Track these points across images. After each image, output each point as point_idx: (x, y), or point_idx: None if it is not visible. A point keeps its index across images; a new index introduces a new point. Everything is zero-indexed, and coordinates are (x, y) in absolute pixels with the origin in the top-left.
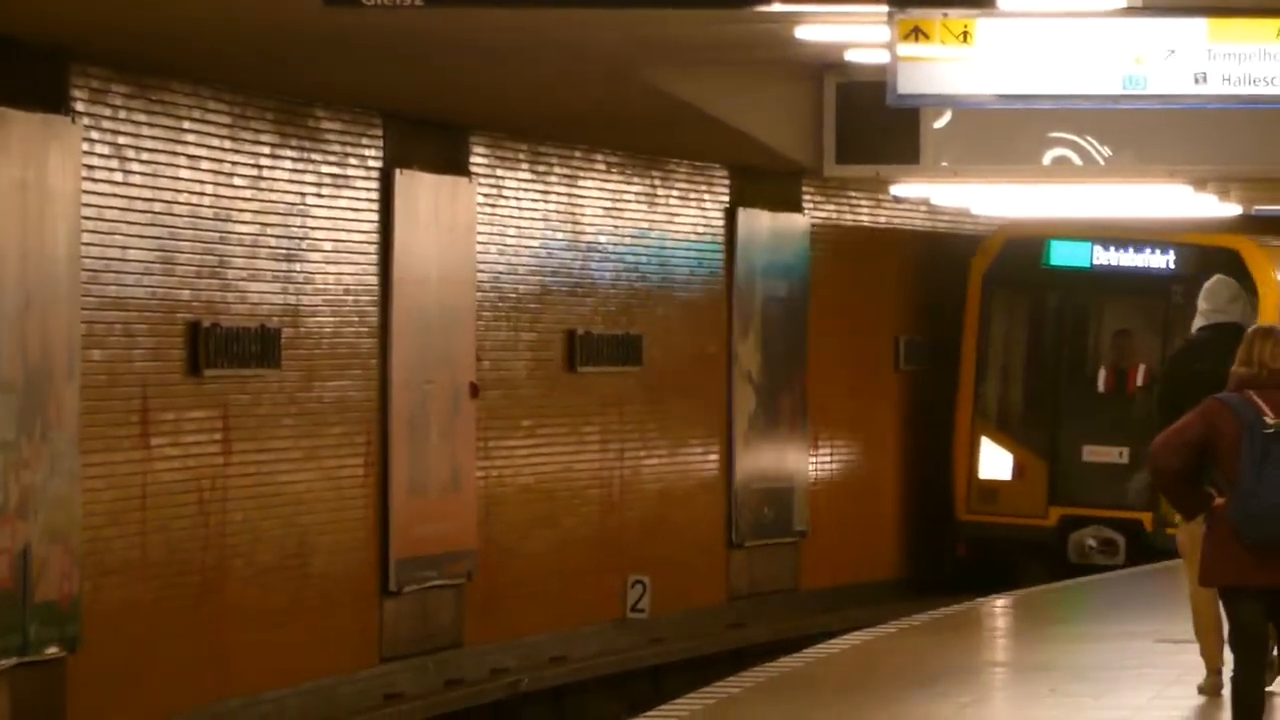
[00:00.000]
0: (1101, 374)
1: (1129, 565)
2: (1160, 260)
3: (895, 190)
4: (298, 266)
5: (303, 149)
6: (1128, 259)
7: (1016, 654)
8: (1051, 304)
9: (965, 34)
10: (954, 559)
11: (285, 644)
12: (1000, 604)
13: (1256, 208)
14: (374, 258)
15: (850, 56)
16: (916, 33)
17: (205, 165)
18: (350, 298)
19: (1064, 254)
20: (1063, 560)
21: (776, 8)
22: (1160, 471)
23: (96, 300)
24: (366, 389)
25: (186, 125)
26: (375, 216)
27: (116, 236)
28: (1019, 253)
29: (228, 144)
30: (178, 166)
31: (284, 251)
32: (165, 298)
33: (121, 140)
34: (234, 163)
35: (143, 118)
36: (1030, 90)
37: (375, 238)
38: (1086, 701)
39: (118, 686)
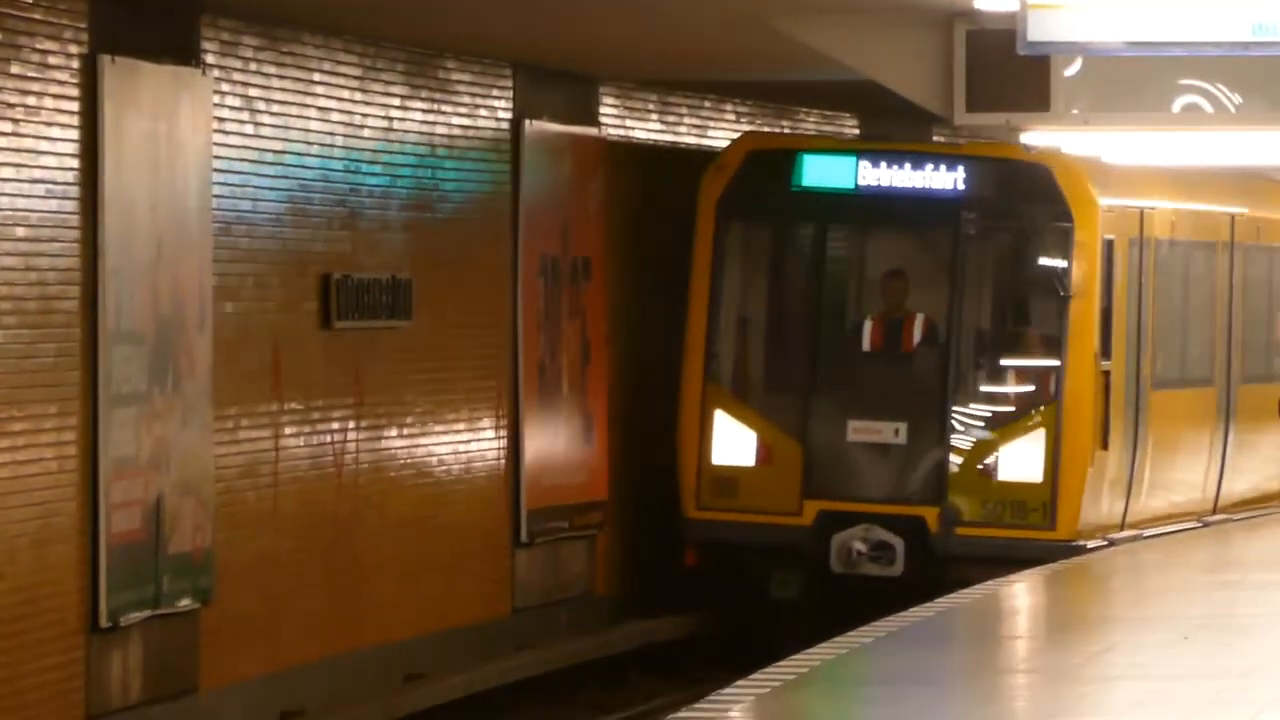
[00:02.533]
0: (868, 327)
1: (909, 575)
2: (947, 179)
3: (1025, 138)
4: (428, 217)
5: (433, 100)
6: (905, 177)
7: (1135, 607)
8: (805, 237)
9: None
10: (680, 569)
11: (417, 595)
12: (1104, 555)
13: None
14: (505, 208)
15: (980, 4)
16: None
17: (335, 117)
18: (479, 249)
19: (820, 172)
20: (823, 568)
21: None
22: None
23: (228, 252)
24: (496, 339)
25: (316, 77)
26: (506, 167)
27: (248, 189)
28: (762, 171)
29: (358, 95)
30: (308, 118)
31: (414, 202)
32: (296, 250)
33: (252, 92)
34: (364, 114)
35: (273, 69)
36: (1160, 37)
37: (506, 189)
38: (1222, 649)
39: (249, 638)
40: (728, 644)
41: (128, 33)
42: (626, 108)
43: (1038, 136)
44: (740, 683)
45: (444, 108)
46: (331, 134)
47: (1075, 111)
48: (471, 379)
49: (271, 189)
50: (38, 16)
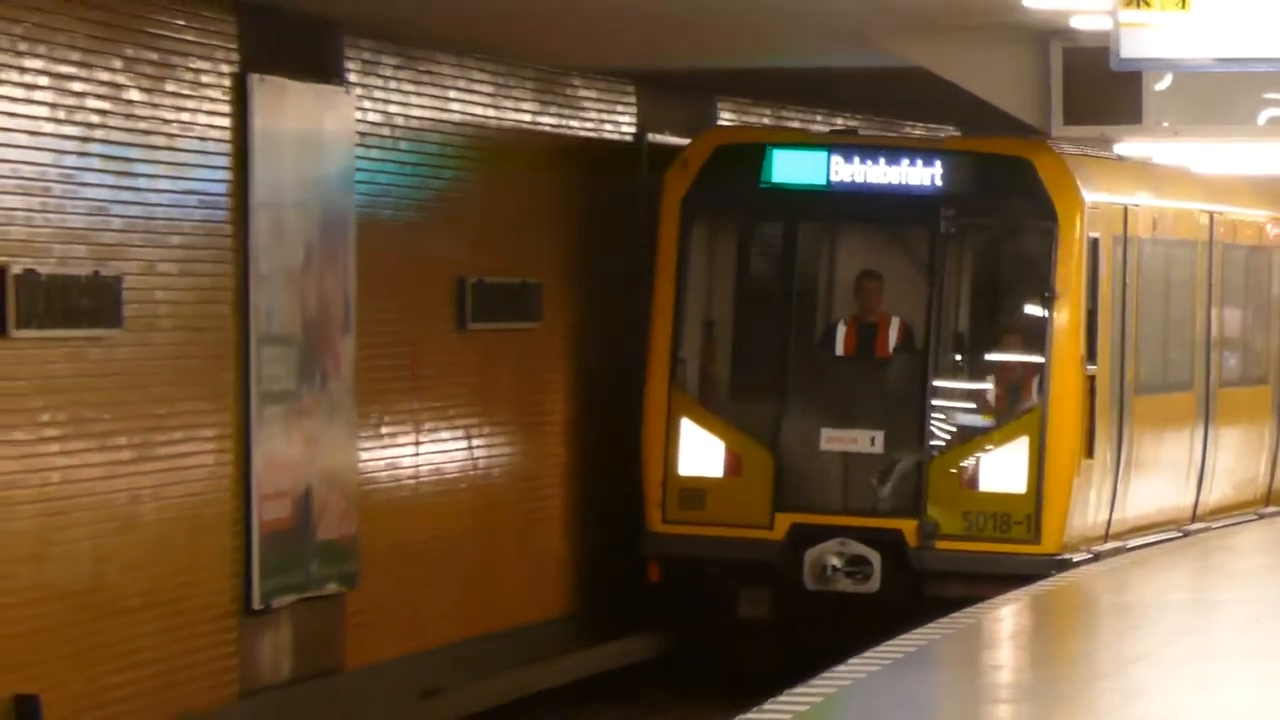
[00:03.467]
0: (842, 331)
1: (886, 592)
2: (924, 174)
3: (1119, 149)
4: (557, 227)
5: (561, 115)
6: (879, 173)
7: (1197, 591)
8: (775, 237)
9: (1183, 1)
10: (644, 585)
11: (547, 580)
12: (1157, 541)
13: None
14: (633, 215)
15: (1075, 23)
16: (1139, 0)
17: (470, 131)
18: (609, 254)
19: (790, 167)
20: (796, 585)
21: None
22: None
23: (370, 258)
24: (627, 338)
25: (451, 94)
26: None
27: (387, 198)
28: (730, 166)
29: (490, 111)
30: (444, 133)
31: (543, 213)
32: (433, 255)
33: (392, 109)
34: (497, 129)
35: (410, 86)
36: (1246, 54)
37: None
38: None
39: (392, 621)
40: (690, 667)
41: (276, 53)
42: (743, 121)
43: (1131, 147)
44: None
45: (571, 121)
46: (465, 147)
47: (1166, 124)
48: (595, 374)
49: (409, 198)
50: (191, 38)
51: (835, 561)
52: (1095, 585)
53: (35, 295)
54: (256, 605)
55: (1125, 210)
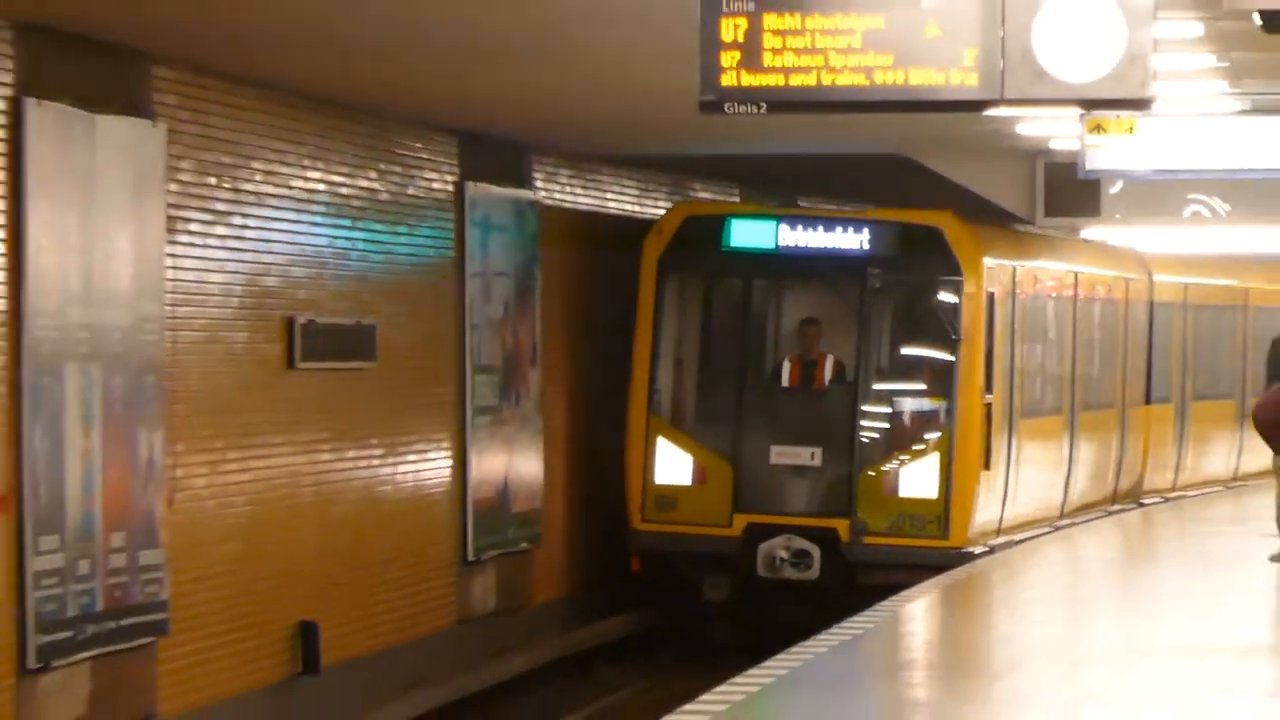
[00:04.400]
0: (787, 366)
1: (824, 579)
2: (854, 240)
3: (1083, 233)
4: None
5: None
6: (818, 239)
7: (1181, 544)
8: (734, 290)
9: (1130, 128)
10: (627, 574)
11: None
12: (1035, 535)
13: None
14: None
15: (1053, 144)
16: (1098, 128)
17: (622, 223)
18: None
19: (746, 234)
20: (751, 573)
21: (1005, 111)
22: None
23: (547, 314)
24: None
25: (609, 195)
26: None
27: (566, 273)
28: (697, 233)
29: (634, 206)
30: (605, 217)
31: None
32: (598, 315)
33: (565, 204)
34: (637, 220)
35: (579, 186)
36: (1175, 166)
37: None
38: None
39: (564, 571)
40: (668, 639)
41: (483, 165)
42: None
43: (1093, 232)
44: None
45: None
46: (623, 232)
47: (1118, 216)
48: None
49: (580, 272)
50: (425, 155)
51: (783, 554)
52: (992, 575)
53: (313, 338)
54: (470, 558)
55: (1014, 270)
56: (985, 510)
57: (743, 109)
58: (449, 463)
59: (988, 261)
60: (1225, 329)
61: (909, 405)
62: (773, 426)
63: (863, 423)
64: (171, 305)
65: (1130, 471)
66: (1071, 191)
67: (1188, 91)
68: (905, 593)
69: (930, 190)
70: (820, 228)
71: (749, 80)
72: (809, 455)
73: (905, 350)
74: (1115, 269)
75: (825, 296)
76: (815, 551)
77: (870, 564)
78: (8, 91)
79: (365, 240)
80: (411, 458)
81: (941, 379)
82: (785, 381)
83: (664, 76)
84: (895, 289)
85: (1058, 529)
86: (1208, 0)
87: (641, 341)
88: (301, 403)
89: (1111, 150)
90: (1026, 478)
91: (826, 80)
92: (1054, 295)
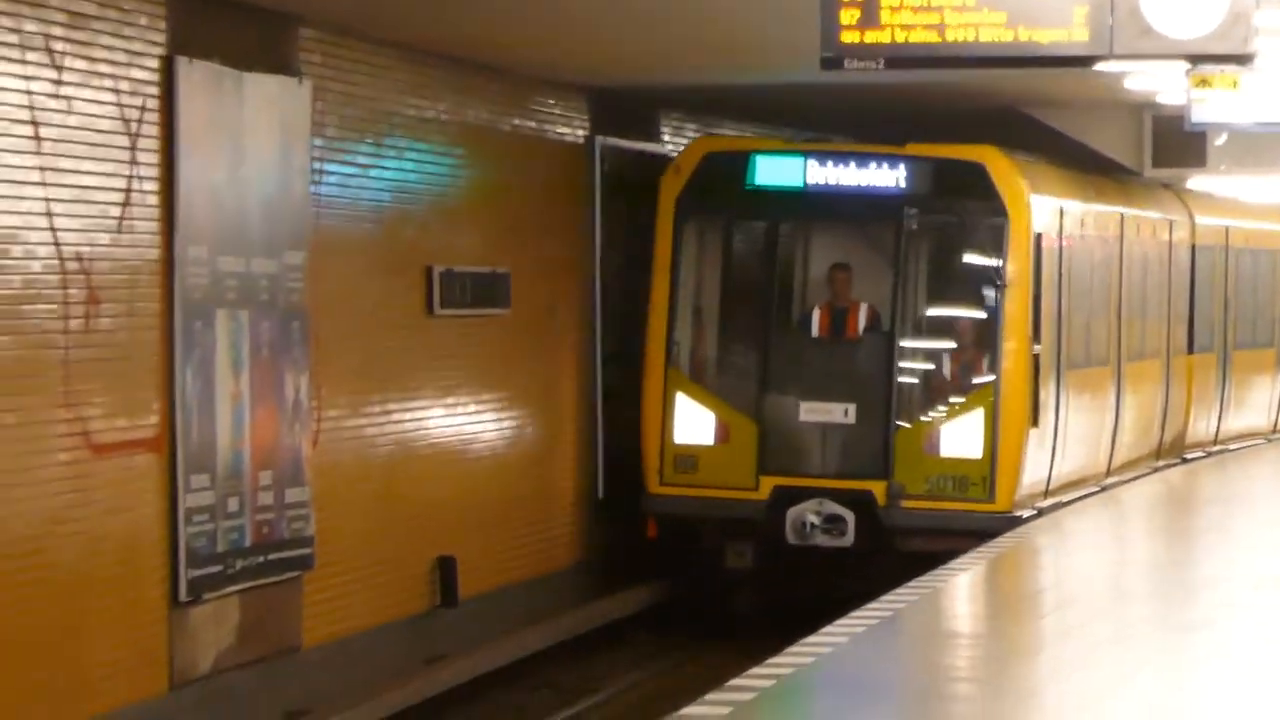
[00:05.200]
0: (817, 315)
1: (859, 546)
2: (889, 177)
3: (1190, 184)
4: None
5: None
6: (850, 176)
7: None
8: (757, 232)
9: (1234, 83)
10: (643, 541)
11: None
12: (1082, 496)
13: None
14: None
15: (1160, 99)
16: (1203, 82)
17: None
18: None
19: (771, 171)
20: (779, 540)
21: (1114, 66)
22: None
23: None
24: None
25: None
26: None
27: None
28: (718, 170)
29: None
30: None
31: None
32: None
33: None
34: None
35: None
36: (1278, 119)
37: None
38: None
39: None
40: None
41: (613, 119)
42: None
43: (1198, 183)
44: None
45: None
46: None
47: (1223, 167)
48: None
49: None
50: (558, 110)
51: (813, 519)
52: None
53: (451, 286)
54: (600, 497)
55: (1061, 210)
56: (1033, 470)
57: (861, 65)
58: (583, 406)
59: (1036, 201)
60: (1265, 273)
61: (950, 357)
62: (801, 381)
63: (900, 376)
64: (315, 254)
65: (1174, 425)
66: (1178, 143)
67: None
68: (950, 565)
69: (1040, 141)
70: (852, 164)
71: (869, 38)
72: (841, 412)
73: (945, 297)
74: (1160, 211)
75: (858, 239)
76: (849, 516)
77: (909, 530)
78: (161, 51)
79: (499, 190)
80: (544, 400)
81: (986, 328)
82: (815, 332)
83: (788, 33)
84: (935, 230)
85: (1104, 488)
86: None
87: (659, 289)
88: (439, 348)
89: (1216, 104)
90: (1074, 434)
91: (942, 37)
92: (1101, 237)
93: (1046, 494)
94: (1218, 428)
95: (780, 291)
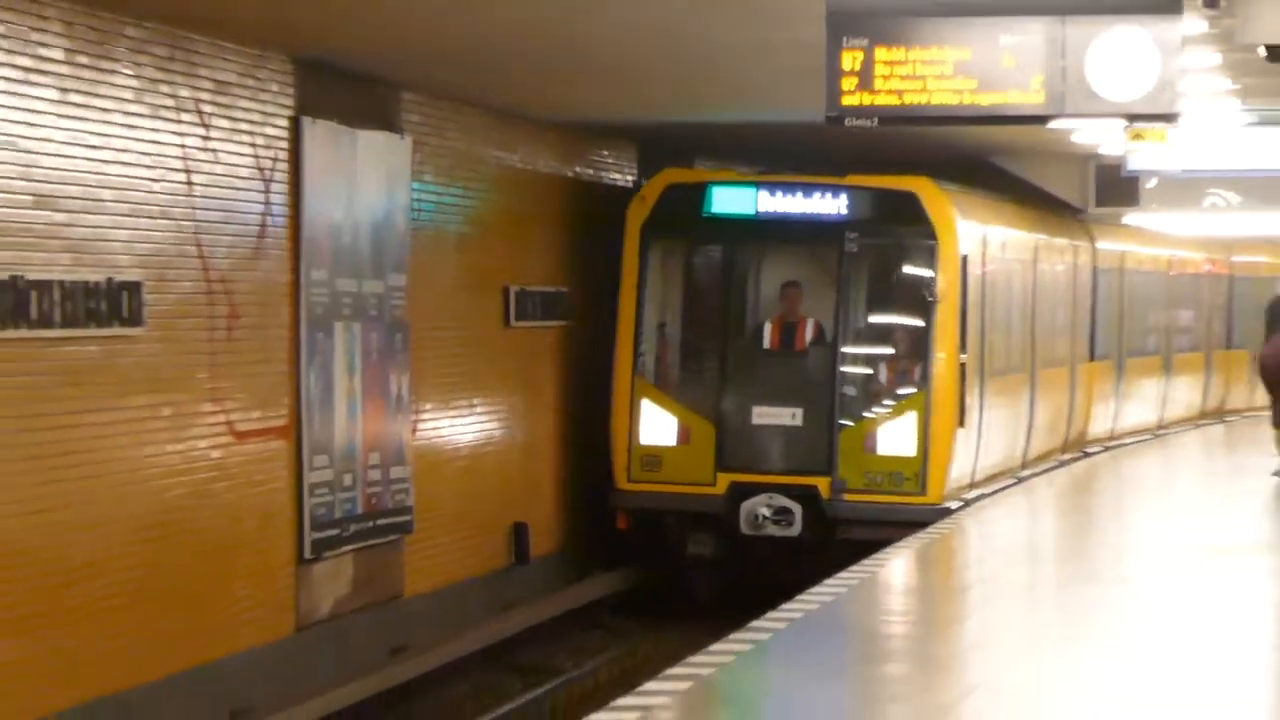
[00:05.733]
0: (768, 330)
1: (806, 535)
2: (832, 205)
3: (1125, 219)
4: None
5: None
6: (796, 204)
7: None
8: (714, 255)
9: (1163, 137)
10: (614, 532)
11: None
12: (1003, 487)
13: None
14: None
15: (1102, 150)
16: (1137, 136)
17: None
18: None
19: (726, 200)
20: (735, 531)
21: (1064, 123)
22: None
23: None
24: None
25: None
26: None
27: None
28: (679, 200)
29: None
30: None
31: None
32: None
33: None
34: None
35: None
36: (1198, 167)
37: None
38: None
39: None
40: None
41: (658, 163)
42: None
43: (1132, 219)
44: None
45: None
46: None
47: (1153, 205)
48: None
49: None
50: (610, 159)
51: (765, 512)
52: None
53: (524, 302)
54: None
55: (984, 235)
56: (960, 465)
57: (859, 122)
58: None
59: (963, 225)
60: (1153, 292)
61: (887, 365)
62: (755, 387)
63: (842, 383)
64: (414, 276)
65: (1078, 423)
66: (1116, 186)
67: (1208, 108)
68: (886, 551)
69: (1001, 184)
70: (799, 193)
71: (864, 100)
72: (790, 415)
73: (882, 312)
74: (1068, 238)
75: (805, 260)
76: (796, 509)
77: (850, 520)
78: (290, 112)
79: (566, 226)
80: (594, 398)
81: (918, 340)
82: (766, 344)
83: (793, 95)
84: (873, 252)
85: (1020, 479)
86: (1224, 36)
87: (626, 306)
88: (511, 355)
89: (1148, 154)
90: (995, 433)
91: (927, 100)
92: (1019, 259)
93: (971, 485)
94: (1113, 425)
95: (735, 308)
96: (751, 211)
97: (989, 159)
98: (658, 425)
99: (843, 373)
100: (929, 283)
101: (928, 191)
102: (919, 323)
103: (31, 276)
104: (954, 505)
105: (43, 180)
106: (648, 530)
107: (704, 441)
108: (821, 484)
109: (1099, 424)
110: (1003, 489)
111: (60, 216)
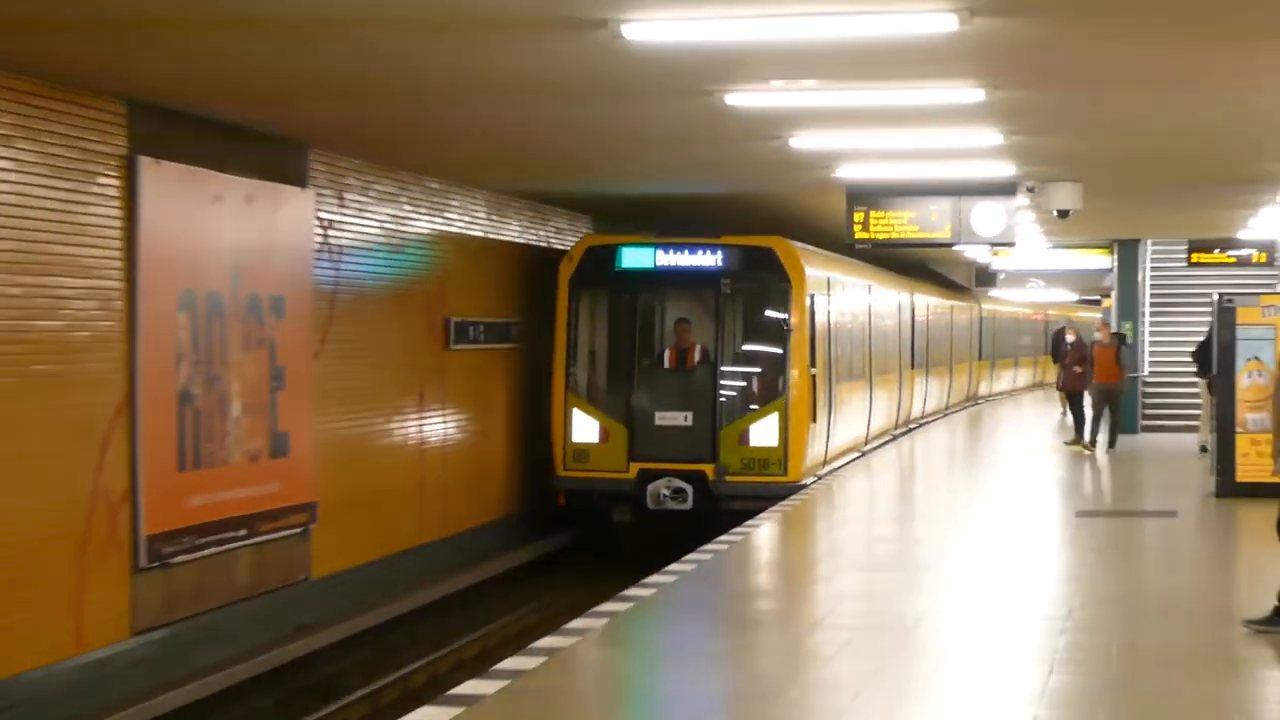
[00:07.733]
0: (666, 354)
1: (696, 509)
2: (710, 259)
3: (990, 293)
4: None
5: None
6: (684, 259)
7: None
8: (625, 299)
9: (1008, 252)
10: (555, 507)
11: None
12: (848, 462)
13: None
14: None
15: (978, 259)
16: (995, 252)
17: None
18: None
19: (633, 258)
20: (643, 506)
21: (960, 246)
22: None
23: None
24: None
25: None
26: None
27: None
28: (598, 258)
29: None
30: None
31: None
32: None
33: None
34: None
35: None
36: (1026, 267)
37: None
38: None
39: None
40: (594, 550)
41: (608, 229)
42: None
43: (994, 293)
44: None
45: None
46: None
47: (1003, 284)
48: None
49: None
50: (566, 224)
51: (665, 491)
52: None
53: (463, 330)
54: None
55: (828, 279)
56: (813, 451)
57: (863, 246)
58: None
59: (809, 273)
60: (944, 325)
61: (755, 379)
62: (657, 397)
63: (721, 392)
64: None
65: (903, 411)
66: (985, 277)
67: (1030, 238)
68: (757, 518)
69: (931, 276)
70: (686, 251)
71: (867, 235)
72: (684, 418)
73: (750, 339)
74: (893, 287)
75: (692, 301)
76: (689, 489)
77: (730, 496)
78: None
79: (526, 274)
80: (536, 405)
81: (777, 359)
82: (666, 364)
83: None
84: (742, 294)
85: (864, 453)
86: (1037, 205)
87: (559, 339)
88: (456, 372)
89: (1000, 261)
90: (841, 424)
91: (896, 235)
92: (856, 298)
93: (824, 464)
94: (922, 410)
95: (641, 338)
96: (652, 265)
97: (926, 264)
98: (585, 427)
99: (722, 385)
100: (785, 317)
101: (782, 247)
102: (778, 348)
103: None
104: (809, 481)
105: None
106: (580, 505)
107: (619, 439)
108: (708, 469)
109: (914, 409)
110: (850, 462)
111: None
